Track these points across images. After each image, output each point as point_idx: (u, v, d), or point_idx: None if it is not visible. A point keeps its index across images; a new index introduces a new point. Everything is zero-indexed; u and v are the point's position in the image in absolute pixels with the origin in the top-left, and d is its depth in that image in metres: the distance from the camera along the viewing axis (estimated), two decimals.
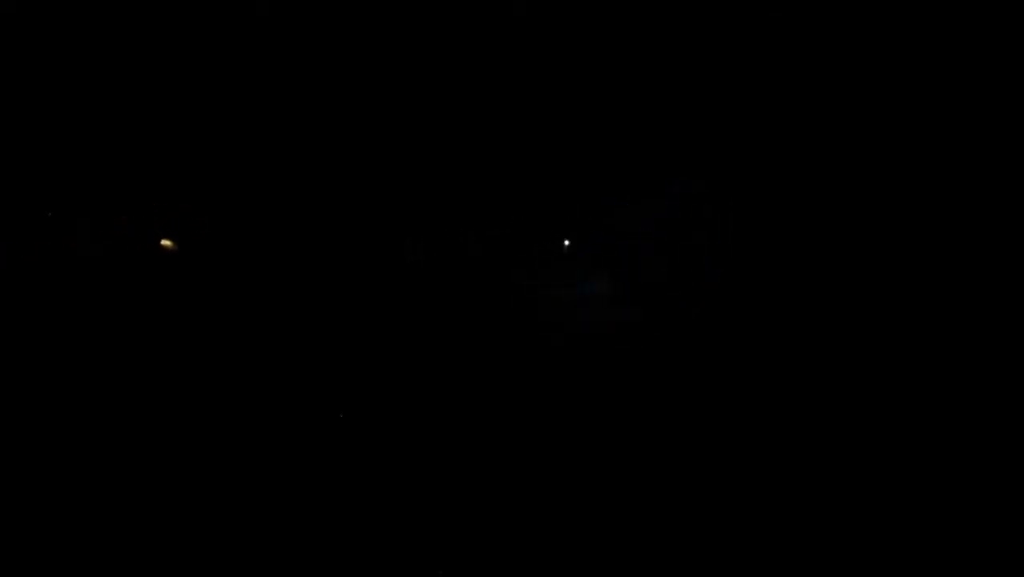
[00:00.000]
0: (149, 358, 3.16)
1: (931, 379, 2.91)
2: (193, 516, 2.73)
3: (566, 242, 3.21)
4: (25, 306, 3.15)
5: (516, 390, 3.12)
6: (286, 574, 2.61)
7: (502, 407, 3.10)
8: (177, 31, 3.28)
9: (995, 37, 3.01)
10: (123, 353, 3.15)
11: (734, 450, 2.92)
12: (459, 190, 3.29)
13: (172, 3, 3.26)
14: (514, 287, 3.23)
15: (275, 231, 3.33)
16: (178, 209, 3.32)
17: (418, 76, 3.29)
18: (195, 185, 3.34)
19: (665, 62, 3.24)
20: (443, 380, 3.15)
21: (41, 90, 3.29)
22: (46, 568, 2.57)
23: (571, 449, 2.99)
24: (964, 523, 2.61)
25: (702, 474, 2.87)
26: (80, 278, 3.22)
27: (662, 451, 2.93)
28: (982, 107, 3.06)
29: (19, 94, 3.27)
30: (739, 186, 3.24)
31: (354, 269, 3.28)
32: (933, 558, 2.54)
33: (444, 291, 3.26)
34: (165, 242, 3.12)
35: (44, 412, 2.98)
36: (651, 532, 2.69)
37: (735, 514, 2.74)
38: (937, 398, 2.88)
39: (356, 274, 3.28)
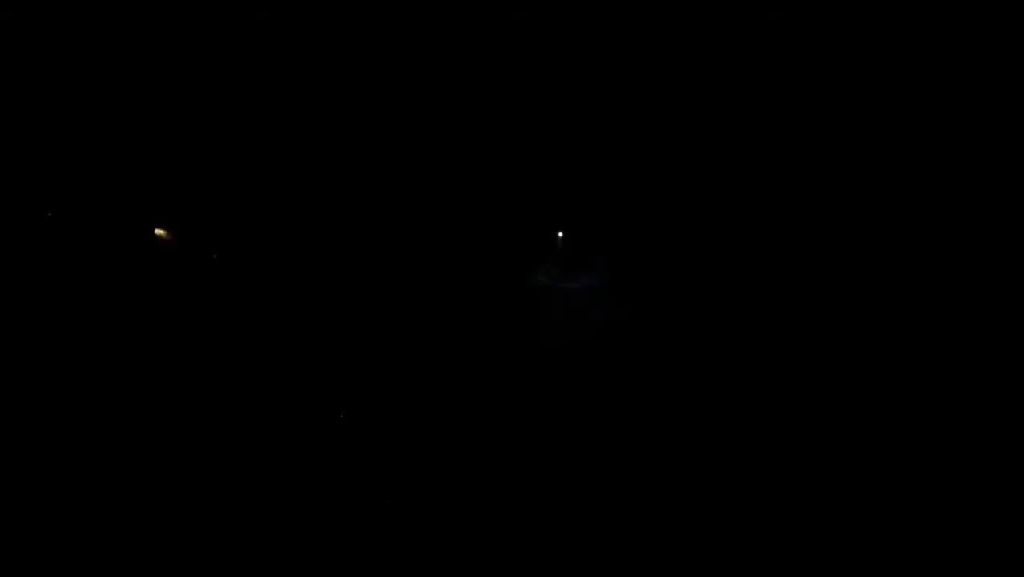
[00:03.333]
0: (149, 358, 3.16)
1: (933, 380, 2.91)
2: (193, 516, 2.74)
3: (561, 237, 3.21)
4: (25, 306, 3.16)
5: (515, 389, 3.13)
6: (286, 574, 2.61)
7: (502, 406, 3.10)
8: (177, 31, 3.29)
9: (995, 37, 3.01)
10: (123, 353, 3.16)
11: (735, 450, 2.92)
12: (459, 190, 3.29)
13: (172, 3, 3.26)
14: (514, 287, 3.23)
15: (275, 230, 3.33)
16: (178, 209, 3.32)
17: (417, 75, 3.29)
18: (195, 185, 3.34)
19: (665, 62, 3.24)
20: (442, 379, 3.16)
21: (41, 90, 3.29)
22: (46, 568, 2.57)
23: (571, 448, 2.99)
24: (964, 523, 2.60)
25: (703, 474, 2.86)
26: (80, 278, 3.22)
27: (662, 451, 2.93)
28: (982, 107, 3.06)
29: (19, 94, 3.27)
30: (739, 186, 3.24)
31: (353, 269, 3.29)
32: (933, 558, 2.54)
33: (444, 291, 3.26)
34: (159, 232, 3.11)
35: (44, 412, 2.99)
36: (652, 532, 2.69)
37: (735, 514, 2.74)
38: (939, 399, 2.88)
39: (355, 274, 3.28)
